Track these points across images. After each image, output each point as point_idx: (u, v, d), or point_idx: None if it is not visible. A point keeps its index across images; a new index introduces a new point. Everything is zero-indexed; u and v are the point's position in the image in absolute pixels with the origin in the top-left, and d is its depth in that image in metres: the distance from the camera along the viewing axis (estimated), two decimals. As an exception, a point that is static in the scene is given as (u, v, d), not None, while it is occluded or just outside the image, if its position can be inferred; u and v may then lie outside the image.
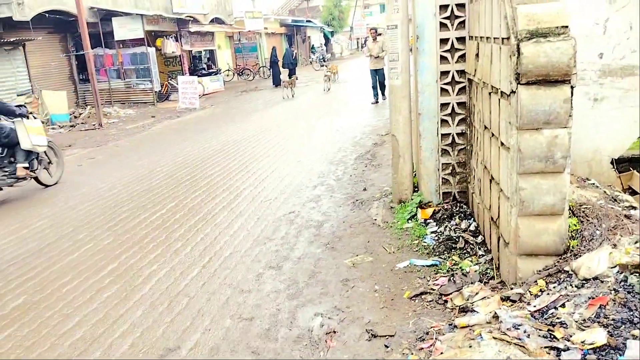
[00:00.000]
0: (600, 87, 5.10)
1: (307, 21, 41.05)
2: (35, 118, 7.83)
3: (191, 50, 23.74)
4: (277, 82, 23.41)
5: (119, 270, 4.79)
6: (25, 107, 7.72)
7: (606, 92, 5.09)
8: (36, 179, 7.84)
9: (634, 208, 4.27)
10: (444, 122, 5.27)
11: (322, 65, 28.11)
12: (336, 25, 48.69)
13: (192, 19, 22.27)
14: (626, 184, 6.41)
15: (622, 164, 6.64)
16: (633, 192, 6.37)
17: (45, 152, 7.92)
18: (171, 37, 20.76)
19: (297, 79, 19.94)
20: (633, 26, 4.99)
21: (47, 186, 8.01)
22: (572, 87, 3.17)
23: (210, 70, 23.98)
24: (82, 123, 14.80)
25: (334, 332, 3.48)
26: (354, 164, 8.37)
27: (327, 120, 13.10)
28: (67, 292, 4.42)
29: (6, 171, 7.34)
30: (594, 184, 4.95)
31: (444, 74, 5.15)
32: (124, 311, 4.02)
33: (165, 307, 4.04)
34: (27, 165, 7.50)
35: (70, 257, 5.17)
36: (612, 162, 6.08)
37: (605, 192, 4.73)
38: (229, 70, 27.83)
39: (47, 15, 15.62)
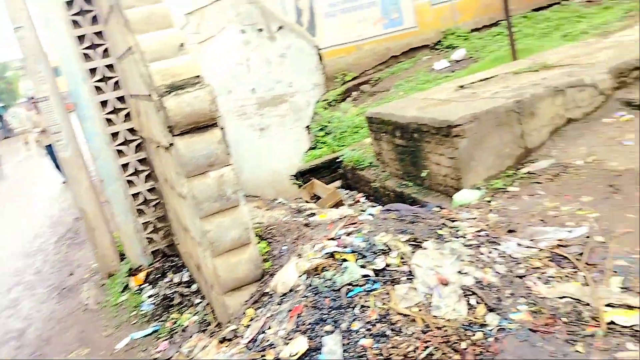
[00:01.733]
0: (261, 118, 5.72)
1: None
2: None
3: None
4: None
5: None
6: None
7: (267, 121, 5.73)
8: None
9: (314, 214, 4.89)
10: (130, 182, 5.11)
11: None
12: (7, 98, 43.12)
13: None
14: (311, 192, 7.35)
15: (306, 175, 7.60)
16: (319, 197, 7.34)
17: None
18: None
19: None
20: (271, 60, 5.76)
21: None
22: (222, 129, 3.42)
23: None
24: None
25: None
26: (54, 248, 7.46)
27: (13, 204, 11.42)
28: None
29: None
30: (281, 202, 5.51)
31: (115, 135, 5.00)
32: None
33: None
34: None
35: None
36: (296, 177, 6.89)
37: (291, 206, 5.30)
38: None
39: None
